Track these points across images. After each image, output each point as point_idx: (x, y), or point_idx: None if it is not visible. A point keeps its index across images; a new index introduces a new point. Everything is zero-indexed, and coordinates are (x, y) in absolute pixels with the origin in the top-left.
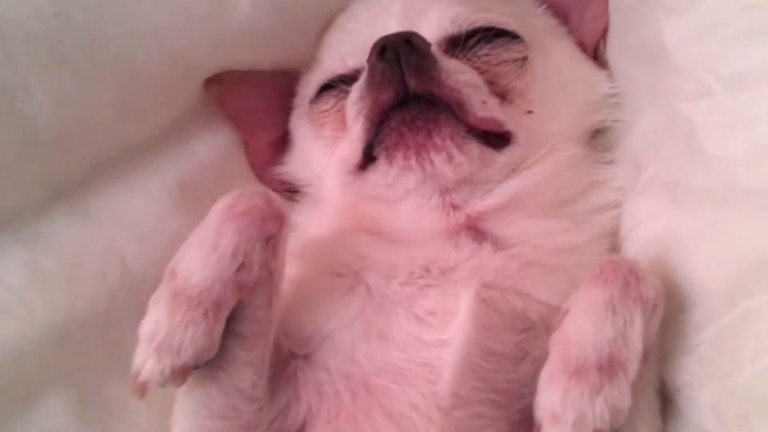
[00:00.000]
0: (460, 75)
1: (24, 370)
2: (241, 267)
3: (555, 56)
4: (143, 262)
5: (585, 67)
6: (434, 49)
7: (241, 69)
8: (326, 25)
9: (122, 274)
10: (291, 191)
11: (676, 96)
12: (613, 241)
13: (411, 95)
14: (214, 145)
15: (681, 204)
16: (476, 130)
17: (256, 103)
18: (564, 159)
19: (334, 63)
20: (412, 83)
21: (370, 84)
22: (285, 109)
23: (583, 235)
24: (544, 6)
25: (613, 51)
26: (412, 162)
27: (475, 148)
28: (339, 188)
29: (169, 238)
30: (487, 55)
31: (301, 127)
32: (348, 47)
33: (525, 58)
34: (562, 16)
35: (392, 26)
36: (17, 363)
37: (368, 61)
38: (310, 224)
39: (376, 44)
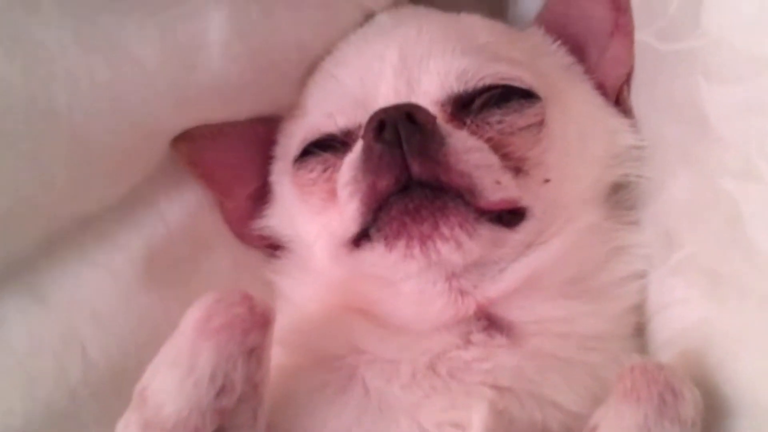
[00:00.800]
0: (470, 155)
1: None
2: (222, 391)
3: (573, 105)
4: (107, 352)
5: (607, 116)
6: (439, 118)
7: (212, 124)
8: (310, 68)
9: (84, 367)
10: (272, 246)
11: (717, 168)
12: (639, 319)
13: (414, 181)
14: (184, 209)
15: (723, 298)
16: (489, 212)
17: (232, 156)
18: (584, 227)
19: (321, 119)
20: (416, 169)
21: (366, 167)
22: (265, 157)
23: (607, 315)
24: (558, 41)
25: (639, 99)
26: (416, 251)
27: (486, 231)
28: (330, 262)
29: (136, 321)
30: (500, 122)
31: (284, 183)
32: (337, 100)
33: (542, 121)
34: (579, 51)
35: (388, 78)
36: None
37: (364, 137)
38: (297, 295)
39: (372, 119)
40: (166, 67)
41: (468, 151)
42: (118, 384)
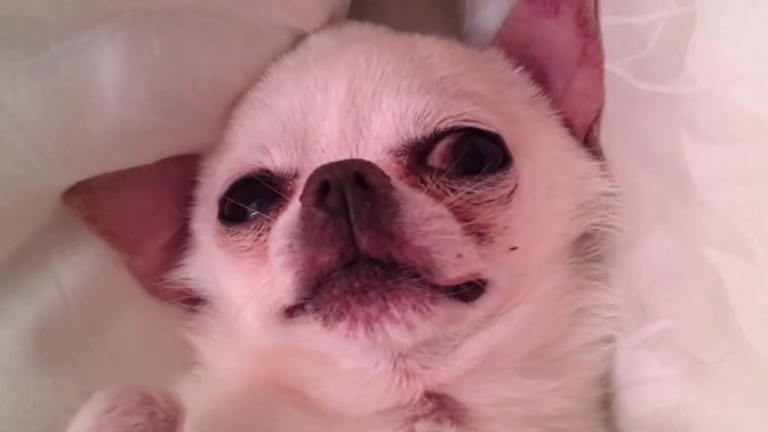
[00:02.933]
0: (429, 225)
1: None
2: None
3: (541, 152)
4: None
5: (576, 159)
6: (393, 172)
7: (113, 172)
8: (230, 104)
9: None
10: (191, 301)
11: (699, 235)
12: (605, 390)
13: (362, 256)
14: (82, 269)
15: (705, 387)
16: (446, 288)
17: (140, 206)
18: (548, 291)
19: (251, 152)
20: (364, 243)
21: (305, 236)
22: (181, 201)
23: (570, 391)
24: (520, 66)
25: (610, 140)
26: (359, 333)
27: (442, 309)
28: (259, 330)
29: (27, 406)
30: (468, 193)
31: (206, 233)
32: (271, 133)
33: (512, 191)
34: (542, 78)
35: (333, 116)
36: None
37: (302, 200)
38: (219, 365)
39: (314, 179)
40: (47, 117)
41: (427, 220)
42: None
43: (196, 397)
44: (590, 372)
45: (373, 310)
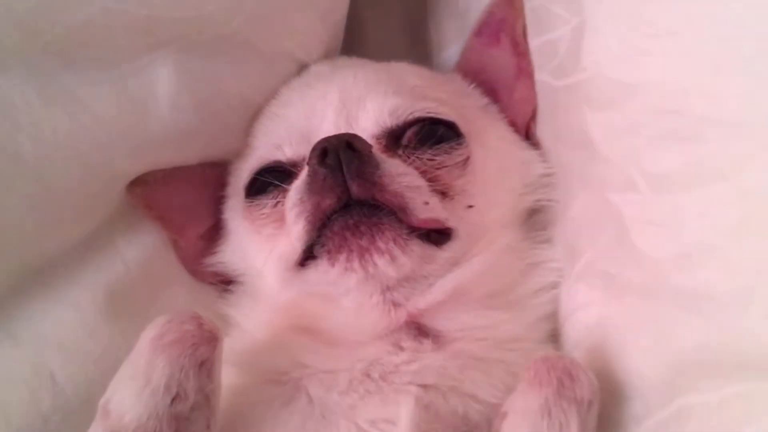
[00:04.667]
0: (402, 178)
1: None
2: (176, 398)
3: (491, 142)
4: (75, 380)
5: (519, 149)
6: (375, 148)
7: (164, 168)
8: (252, 116)
9: (54, 395)
10: (225, 282)
11: (605, 185)
12: (553, 326)
13: (353, 200)
14: (142, 248)
15: (615, 295)
16: (418, 230)
17: (184, 198)
18: (502, 247)
19: (269, 150)
20: (355, 189)
21: (311, 188)
22: (215, 198)
23: (523, 323)
24: (473, 84)
25: (543, 132)
26: (355, 264)
27: (417, 247)
28: (278, 285)
29: (100, 351)
30: (431, 159)
31: (236, 219)
32: (284, 134)
33: (467, 159)
34: (492, 93)
35: (329, 116)
36: None
37: (308, 163)
38: (248, 322)
39: (316, 147)
40: (120, 118)
41: (400, 174)
42: (85, 407)
43: (227, 349)
44: (540, 309)
45: (364, 242)
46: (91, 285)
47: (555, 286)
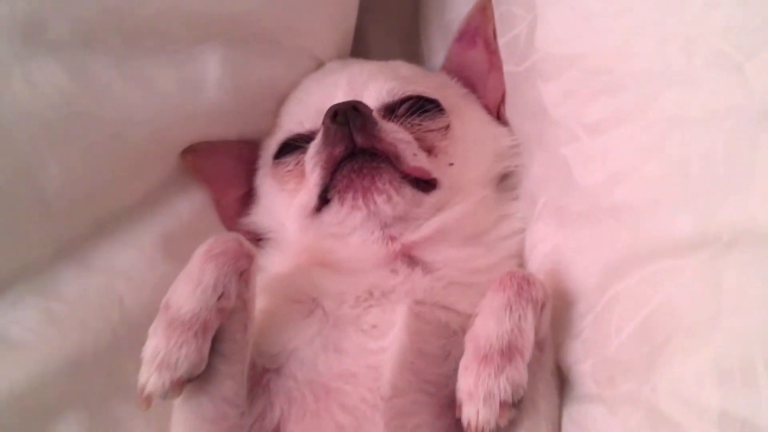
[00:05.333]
0: (395, 134)
1: (44, 396)
2: (221, 296)
3: (468, 119)
4: (138, 303)
5: (491, 126)
6: (375, 113)
7: (211, 140)
8: (281, 100)
9: (121, 313)
10: (256, 240)
11: (556, 142)
12: (520, 261)
13: (358, 149)
14: (192, 205)
15: (563, 225)
16: (409, 176)
17: (224, 167)
18: (478, 199)
19: (293, 125)
20: (359, 140)
21: (325, 141)
22: (249, 170)
23: (495, 258)
24: (456, 79)
25: (510, 111)
26: (359, 202)
27: (408, 191)
28: (298, 230)
29: (159, 282)
30: (418, 124)
31: (265, 183)
32: (304, 113)
33: (447, 126)
34: (471, 86)
35: (340, 97)
36: (38, 390)
37: (323, 123)
38: (273, 263)
39: (329, 110)
40: (178, 95)
41: (393, 131)
42: (146, 323)
43: (259, 278)
44: (509, 249)
45: (366, 182)
46: (152, 231)
47: (521, 231)
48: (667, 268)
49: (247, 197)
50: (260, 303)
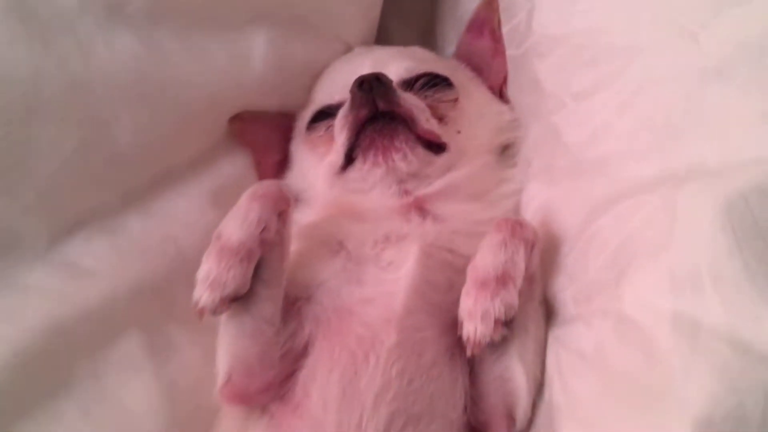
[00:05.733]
0: (411, 100)
1: (111, 315)
2: (264, 230)
3: (475, 96)
4: (190, 243)
5: (494, 103)
6: (394, 84)
7: (254, 110)
8: (314, 78)
9: (176, 251)
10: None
11: (547, 112)
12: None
13: (379, 113)
14: (236, 166)
15: (553, 182)
16: (422, 139)
17: (264, 135)
18: (481, 164)
19: (324, 97)
20: (380, 105)
21: (352, 106)
22: (285, 139)
23: (494, 212)
24: (465, 65)
25: (510, 90)
26: (380, 159)
27: (420, 151)
28: (326, 187)
29: (207, 226)
30: (431, 96)
31: (299, 149)
32: (334, 87)
33: (456, 99)
34: (477, 71)
35: (365, 72)
36: (106, 310)
37: (351, 91)
38: (305, 216)
39: (356, 80)
40: (230, 68)
41: (410, 98)
42: (197, 259)
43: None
44: (507, 206)
45: (385, 141)
46: (202, 185)
47: (518, 192)
48: (634, 204)
49: (283, 163)
50: (294, 246)
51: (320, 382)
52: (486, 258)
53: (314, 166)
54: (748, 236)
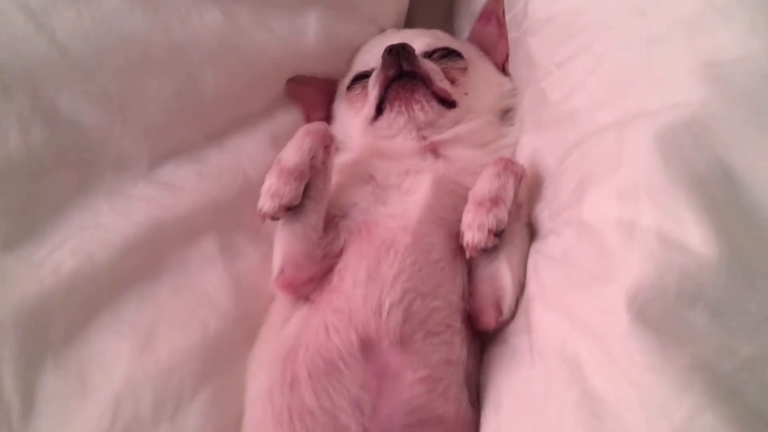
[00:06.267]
0: (428, 65)
1: (193, 223)
2: (313, 158)
3: (482, 69)
4: (255, 173)
5: (498, 76)
6: (416, 53)
7: (306, 75)
8: (354, 52)
9: (244, 179)
10: None
11: (537, 80)
12: None
13: (403, 72)
14: (291, 118)
15: (538, 133)
16: (436, 95)
17: (313, 95)
18: (484, 121)
19: (361, 66)
20: (405, 66)
21: (383, 67)
22: (329, 100)
23: (493, 158)
24: (475, 46)
25: (511, 66)
26: (402, 108)
27: (435, 104)
28: (361, 135)
29: (268, 161)
30: (445, 63)
31: (340, 107)
32: (370, 57)
33: (466, 68)
34: (485, 52)
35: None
36: (190, 219)
37: (382, 57)
38: (343, 158)
39: (387, 47)
40: (289, 39)
41: (427, 63)
42: (258, 188)
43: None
44: (506, 155)
45: (407, 94)
46: (264, 131)
47: (514, 145)
48: (595, 143)
49: (326, 120)
50: (334, 179)
51: (352, 269)
52: (483, 185)
53: (352, 118)
54: (673, 158)
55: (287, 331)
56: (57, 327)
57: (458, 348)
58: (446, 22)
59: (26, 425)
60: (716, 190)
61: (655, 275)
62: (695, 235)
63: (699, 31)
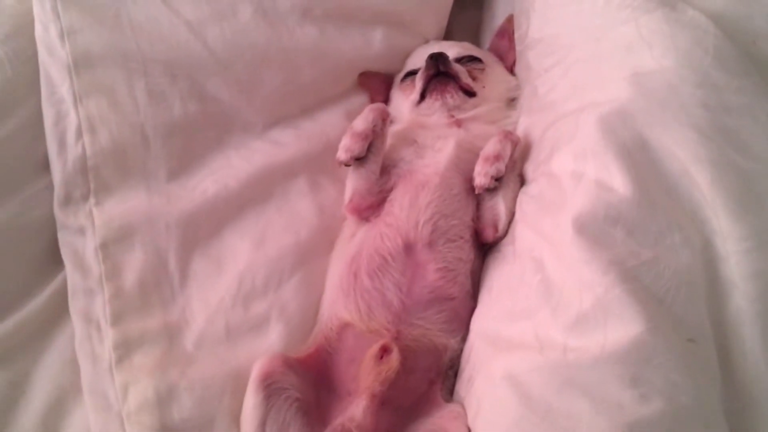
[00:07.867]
0: (458, 67)
1: (292, 168)
2: (375, 126)
3: (496, 70)
4: (334, 136)
5: (507, 76)
6: (449, 59)
7: (373, 71)
8: (406, 57)
9: (327, 140)
10: None
11: (532, 79)
12: None
13: (440, 72)
14: (361, 101)
15: (530, 115)
16: (462, 88)
17: (377, 85)
18: (495, 106)
19: (411, 65)
20: (441, 68)
21: (425, 68)
22: (388, 89)
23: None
24: (493, 53)
25: (516, 69)
26: (438, 96)
27: (461, 94)
28: (408, 113)
29: (343, 129)
30: (469, 65)
31: (395, 94)
32: (417, 59)
33: (483, 69)
34: (500, 57)
35: (434, 52)
36: (290, 166)
37: (426, 60)
38: (395, 128)
39: (429, 55)
40: (361, 47)
41: (457, 66)
42: (335, 145)
43: None
44: (509, 128)
45: (441, 87)
46: (343, 109)
47: (515, 123)
48: (562, 123)
49: (386, 102)
50: (388, 141)
51: (399, 199)
52: (490, 146)
53: (403, 101)
54: (609, 133)
55: (354, 240)
56: (203, 229)
57: (467, 251)
58: (475, 36)
59: (183, 289)
60: (636, 154)
61: (591, 206)
62: (618, 181)
63: (631, 53)
